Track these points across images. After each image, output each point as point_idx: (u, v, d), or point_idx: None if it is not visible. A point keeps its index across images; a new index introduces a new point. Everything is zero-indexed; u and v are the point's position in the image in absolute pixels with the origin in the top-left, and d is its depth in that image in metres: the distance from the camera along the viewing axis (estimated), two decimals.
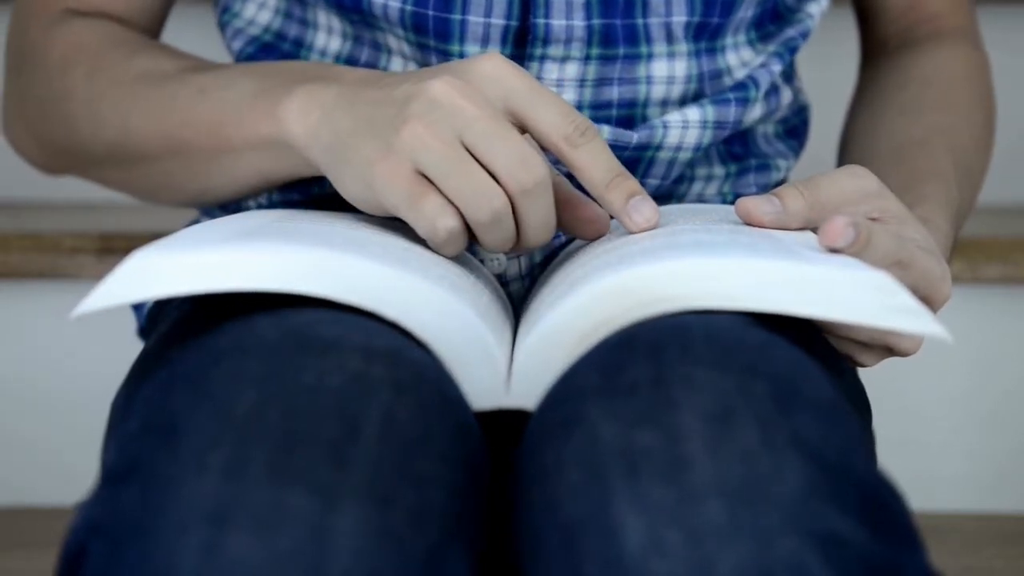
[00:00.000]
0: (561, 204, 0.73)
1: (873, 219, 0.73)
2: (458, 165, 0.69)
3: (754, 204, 0.73)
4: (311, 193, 0.85)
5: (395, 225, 0.77)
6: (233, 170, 0.81)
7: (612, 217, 0.74)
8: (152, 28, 0.92)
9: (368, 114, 0.71)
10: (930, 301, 0.73)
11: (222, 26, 0.91)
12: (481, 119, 0.69)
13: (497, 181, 0.70)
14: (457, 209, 0.70)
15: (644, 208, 0.72)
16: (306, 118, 0.74)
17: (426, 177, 0.70)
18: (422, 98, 0.70)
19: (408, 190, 0.69)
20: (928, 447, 1.22)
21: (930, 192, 0.83)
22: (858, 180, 0.73)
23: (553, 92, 0.71)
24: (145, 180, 0.86)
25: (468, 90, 0.70)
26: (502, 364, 0.68)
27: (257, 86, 0.78)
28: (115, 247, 1.19)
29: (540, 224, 0.71)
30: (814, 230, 0.72)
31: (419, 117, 0.69)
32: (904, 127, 0.90)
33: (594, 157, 0.71)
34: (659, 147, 0.83)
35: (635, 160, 0.83)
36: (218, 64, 0.84)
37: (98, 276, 1.19)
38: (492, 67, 0.71)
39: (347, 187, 0.72)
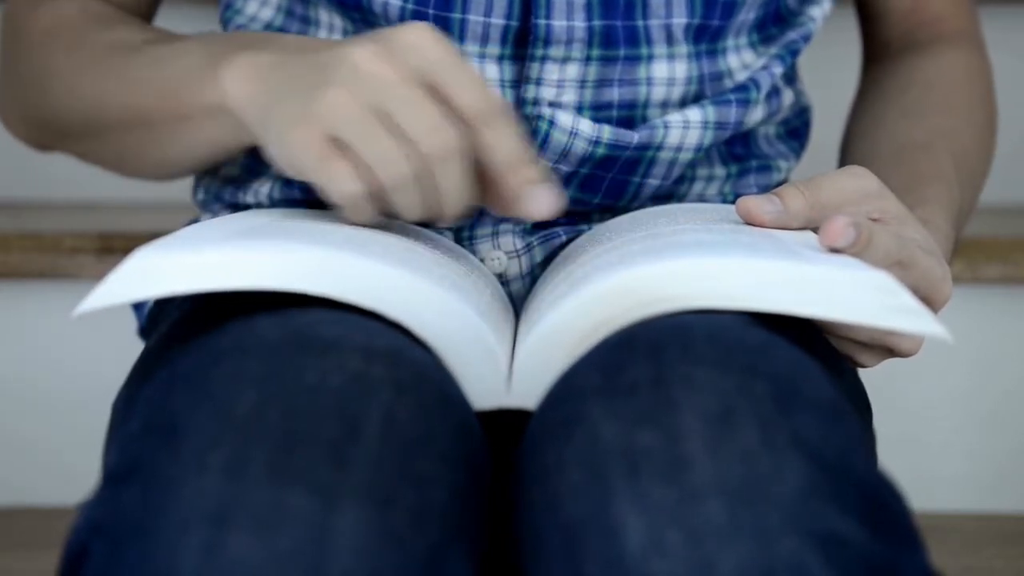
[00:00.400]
0: (486, 180, 0.73)
1: (874, 220, 0.73)
2: (369, 129, 0.69)
3: (755, 203, 0.73)
4: (313, 191, 0.85)
5: (395, 225, 0.77)
6: (188, 138, 0.82)
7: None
8: (141, 12, 0.94)
9: (293, 80, 0.72)
10: (931, 302, 0.73)
11: (224, 23, 0.91)
12: (397, 85, 0.69)
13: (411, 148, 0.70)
14: (371, 176, 0.70)
15: (541, 197, 0.72)
16: (243, 84, 0.75)
17: (343, 142, 0.70)
18: (343, 64, 0.70)
19: (318, 154, 0.70)
20: (928, 447, 1.22)
21: (931, 195, 0.83)
22: (859, 180, 0.73)
23: (473, 68, 0.72)
24: (116, 150, 0.87)
25: (389, 57, 0.70)
26: (503, 364, 0.68)
27: (206, 54, 0.79)
28: (115, 247, 1.19)
29: (453, 191, 0.71)
30: (815, 230, 0.72)
31: (338, 83, 0.70)
32: (906, 129, 0.90)
33: (501, 139, 0.71)
34: (660, 147, 0.83)
35: (636, 160, 0.83)
36: (181, 35, 0.85)
37: (98, 276, 1.18)
38: (416, 36, 0.71)
39: (271, 151, 0.73)
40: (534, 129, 0.81)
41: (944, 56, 0.95)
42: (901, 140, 0.89)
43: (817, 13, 0.90)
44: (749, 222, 0.73)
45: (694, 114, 0.83)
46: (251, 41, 0.79)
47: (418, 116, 0.69)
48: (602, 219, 0.87)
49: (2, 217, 1.31)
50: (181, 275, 0.66)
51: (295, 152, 0.70)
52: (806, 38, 0.89)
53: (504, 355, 0.68)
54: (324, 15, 0.86)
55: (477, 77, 0.71)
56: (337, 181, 0.70)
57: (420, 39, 0.70)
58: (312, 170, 0.70)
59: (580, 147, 0.82)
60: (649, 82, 0.83)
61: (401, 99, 0.69)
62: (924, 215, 0.80)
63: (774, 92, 0.89)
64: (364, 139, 0.69)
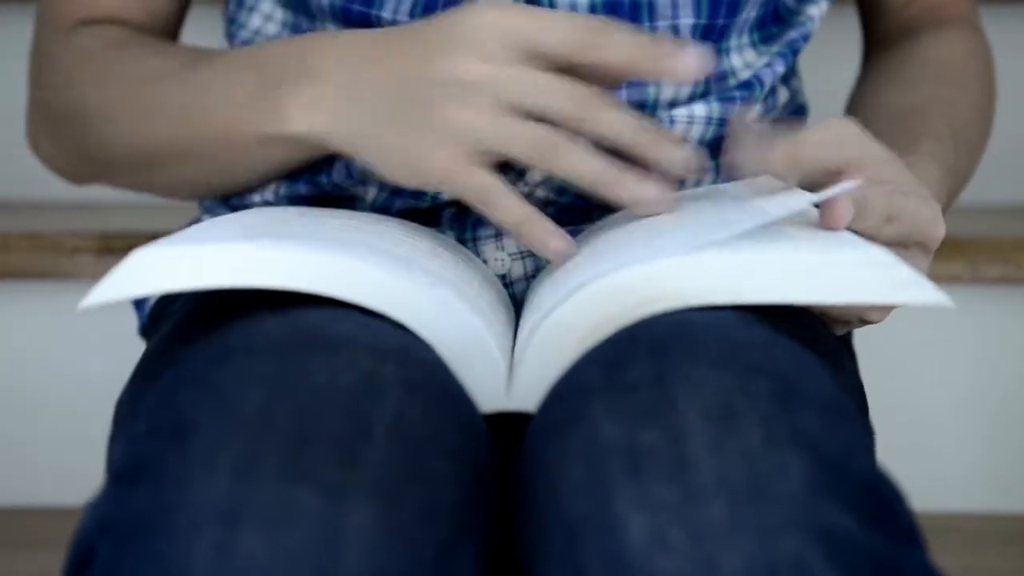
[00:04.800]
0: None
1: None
2: (510, 133, 0.69)
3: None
4: (318, 183, 0.84)
5: (397, 223, 0.77)
6: (252, 163, 0.81)
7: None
8: (168, 32, 0.92)
9: (386, 106, 0.72)
10: (925, 247, 0.72)
11: (229, 37, 0.91)
12: (510, 79, 0.69)
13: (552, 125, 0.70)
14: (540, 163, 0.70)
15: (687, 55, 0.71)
16: (313, 118, 0.75)
17: (490, 152, 0.70)
18: (444, 79, 0.70)
19: (477, 185, 0.71)
20: (929, 447, 1.22)
21: (924, 148, 0.82)
22: (835, 130, 0.72)
23: (548, 10, 0.71)
24: (170, 180, 0.86)
25: (480, 54, 0.70)
26: (502, 368, 0.68)
27: (255, 83, 0.78)
28: (115, 247, 1.19)
29: (619, 127, 0.71)
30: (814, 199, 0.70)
31: (451, 100, 0.70)
32: (901, 99, 0.90)
33: (619, 48, 0.70)
34: None
35: None
36: (213, 55, 0.83)
37: (98, 276, 1.18)
38: (483, 20, 0.70)
39: (391, 175, 0.74)
40: None
41: (942, 36, 0.96)
42: (896, 107, 0.89)
43: (815, 12, 0.90)
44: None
45: (700, 109, 0.83)
46: (296, 66, 0.77)
47: (546, 92, 0.69)
48: (603, 216, 0.87)
49: (2, 217, 1.31)
50: (185, 272, 0.66)
51: (442, 184, 0.72)
52: (805, 37, 0.89)
53: (504, 359, 0.68)
54: (332, 31, 0.86)
55: (559, 14, 0.70)
56: (499, 199, 0.71)
57: (488, 18, 0.70)
58: (476, 203, 0.72)
59: None
60: (658, 83, 0.83)
61: (521, 88, 0.69)
62: (912, 162, 0.78)
63: (770, 91, 0.89)
64: (509, 143, 0.70)
